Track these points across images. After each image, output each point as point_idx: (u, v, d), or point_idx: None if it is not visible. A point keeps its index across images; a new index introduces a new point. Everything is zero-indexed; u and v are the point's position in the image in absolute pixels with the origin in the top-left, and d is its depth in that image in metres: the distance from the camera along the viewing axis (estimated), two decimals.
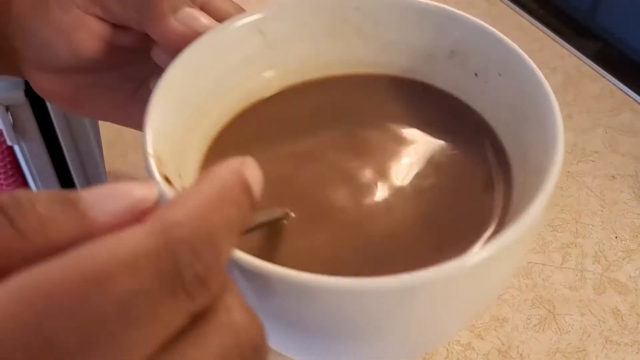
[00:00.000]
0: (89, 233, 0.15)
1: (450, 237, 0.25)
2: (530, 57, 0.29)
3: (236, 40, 0.28)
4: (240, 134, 0.29)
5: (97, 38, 0.30)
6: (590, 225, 0.37)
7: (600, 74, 0.48)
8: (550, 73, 0.48)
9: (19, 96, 0.67)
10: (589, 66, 0.48)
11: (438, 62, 0.30)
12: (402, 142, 0.29)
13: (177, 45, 0.28)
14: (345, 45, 0.31)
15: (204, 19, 0.28)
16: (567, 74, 0.48)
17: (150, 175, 0.22)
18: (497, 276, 0.23)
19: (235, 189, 0.17)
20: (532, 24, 0.52)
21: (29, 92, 0.68)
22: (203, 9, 0.30)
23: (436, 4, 0.29)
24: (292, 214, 0.26)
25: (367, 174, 0.28)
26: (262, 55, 0.30)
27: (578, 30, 0.51)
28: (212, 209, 0.16)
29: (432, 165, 0.28)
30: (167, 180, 0.23)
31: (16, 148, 0.72)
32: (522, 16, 0.53)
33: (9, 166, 0.74)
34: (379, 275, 0.19)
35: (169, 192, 0.22)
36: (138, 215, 0.16)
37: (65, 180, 0.77)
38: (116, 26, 0.30)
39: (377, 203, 0.27)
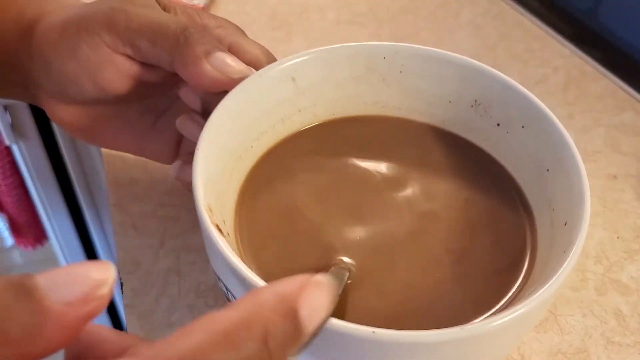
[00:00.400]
0: (44, 322, 0.15)
1: (477, 293, 0.26)
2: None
3: (270, 87, 0.30)
4: (267, 175, 0.30)
5: (124, 76, 0.30)
6: (592, 226, 0.37)
7: (601, 74, 0.47)
8: (551, 72, 0.47)
9: None
10: (591, 65, 0.48)
11: (460, 111, 0.31)
12: (426, 188, 0.30)
13: (208, 89, 0.28)
14: (371, 91, 0.32)
15: (236, 64, 0.28)
16: (569, 73, 0.47)
17: (203, 226, 0.24)
18: (521, 329, 0.24)
19: (268, 319, 0.15)
20: (534, 23, 0.52)
21: None
22: (232, 49, 0.30)
23: (461, 56, 0.30)
24: (353, 267, 0.26)
25: (393, 220, 0.28)
26: (293, 100, 0.31)
27: (580, 30, 0.51)
28: (219, 348, 0.14)
29: (457, 214, 0.29)
30: (218, 229, 0.24)
31: (14, 147, 0.72)
32: (523, 15, 0.53)
33: (7, 166, 0.74)
34: (411, 328, 0.20)
35: (220, 240, 0.23)
36: (95, 300, 0.15)
37: (64, 181, 0.77)
38: (144, 64, 0.30)
39: (401, 253, 0.27)
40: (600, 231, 0.36)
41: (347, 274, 0.26)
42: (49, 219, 0.79)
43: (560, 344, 0.31)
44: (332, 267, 0.26)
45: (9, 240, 0.85)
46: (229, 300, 0.25)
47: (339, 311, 0.21)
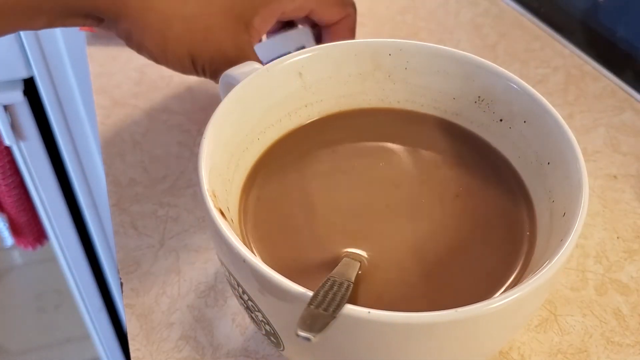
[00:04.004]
0: None
1: (474, 279, 0.27)
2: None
3: (278, 81, 0.31)
4: (273, 167, 0.31)
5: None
6: (592, 226, 0.37)
7: (601, 73, 0.47)
8: (551, 72, 0.47)
9: (17, 96, 0.67)
10: (591, 65, 0.48)
11: (464, 106, 0.32)
12: (430, 178, 0.31)
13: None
14: (377, 88, 0.33)
15: None
16: (569, 73, 0.47)
17: (207, 210, 0.24)
18: (517, 316, 0.24)
19: None
20: (534, 23, 0.52)
21: (28, 92, 0.68)
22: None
23: (465, 53, 0.31)
24: (365, 260, 0.27)
25: (398, 210, 0.29)
26: (299, 95, 0.32)
27: (580, 29, 0.51)
28: None
29: (459, 203, 0.29)
30: (221, 213, 0.24)
31: (14, 148, 0.72)
32: (523, 15, 0.53)
33: (7, 166, 0.74)
34: (411, 311, 0.21)
35: (222, 222, 0.23)
36: None
37: (64, 181, 0.77)
38: None
39: (405, 241, 0.28)
40: (600, 231, 0.36)
41: (359, 264, 0.26)
42: (49, 219, 0.79)
43: (560, 344, 0.31)
44: (344, 258, 0.26)
45: (9, 240, 0.85)
46: (232, 285, 0.26)
47: (351, 301, 0.22)
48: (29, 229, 0.83)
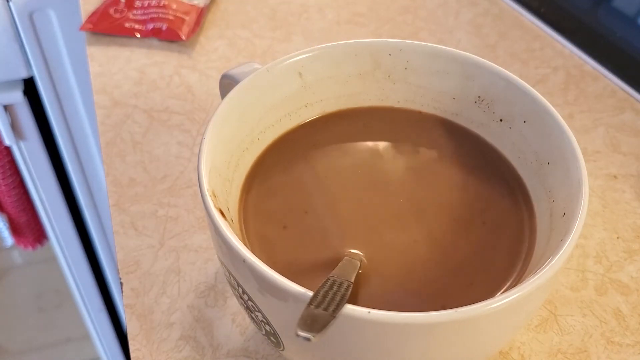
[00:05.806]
0: None
1: (474, 279, 0.27)
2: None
3: (277, 81, 0.31)
4: (272, 167, 0.31)
5: None
6: (592, 226, 0.37)
7: (601, 73, 0.47)
8: (551, 72, 0.47)
9: (17, 96, 0.67)
10: (591, 65, 0.48)
11: (464, 106, 0.32)
12: (429, 178, 0.31)
13: None
14: (376, 88, 0.33)
15: None
16: (569, 73, 0.47)
17: (207, 210, 0.24)
18: (517, 316, 0.25)
19: None
20: (534, 23, 0.52)
21: (28, 92, 0.68)
22: None
23: (465, 53, 0.31)
24: (365, 260, 0.27)
25: (398, 210, 0.29)
26: (299, 95, 0.32)
27: (580, 29, 0.51)
28: None
29: (459, 203, 0.29)
30: (221, 213, 0.25)
31: (14, 148, 0.72)
32: (523, 15, 0.53)
33: (7, 166, 0.74)
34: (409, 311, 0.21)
35: (223, 224, 0.24)
36: None
37: (64, 181, 0.77)
38: None
39: (405, 241, 0.28)
40: (600, 231, 0.36)
41: (359, 264, 0.26)
42: (49, 219, 0.79)
43: (560, 344, 0.31)
44: (344, 258, 0.26)
45: (9, 240, 0.85)
46: (232, 285, 0.26)
47: (351, 300, 0.22)
48: (29, 229, 0.83)
